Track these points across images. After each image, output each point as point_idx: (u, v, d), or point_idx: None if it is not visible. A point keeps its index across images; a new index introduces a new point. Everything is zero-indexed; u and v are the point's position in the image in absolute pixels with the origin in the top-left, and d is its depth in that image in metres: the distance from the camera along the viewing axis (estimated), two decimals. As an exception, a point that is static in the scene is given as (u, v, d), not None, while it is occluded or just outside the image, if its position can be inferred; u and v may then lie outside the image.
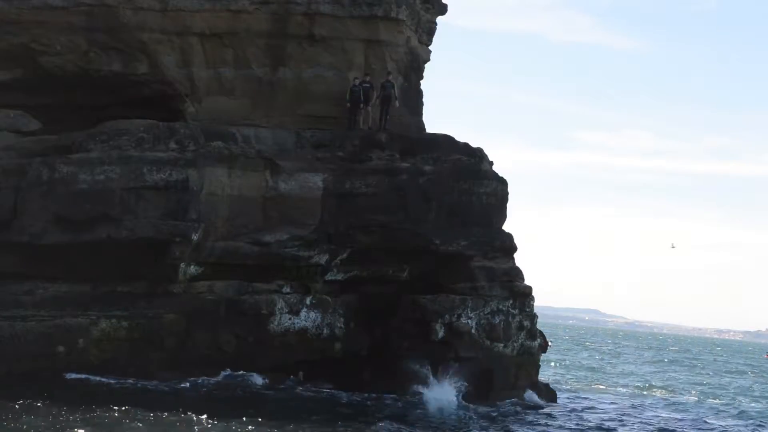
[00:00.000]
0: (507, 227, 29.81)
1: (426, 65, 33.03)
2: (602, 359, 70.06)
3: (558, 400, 30.54)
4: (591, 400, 33.70)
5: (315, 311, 27.44)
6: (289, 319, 27.10)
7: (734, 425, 29.60)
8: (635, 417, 29.04)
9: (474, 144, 29.91)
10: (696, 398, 39.49)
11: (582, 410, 29.56)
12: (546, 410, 27.83)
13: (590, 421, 26.71)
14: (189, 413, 20.57)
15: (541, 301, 32.55)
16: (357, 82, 29.32)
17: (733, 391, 47.52)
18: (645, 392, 40.80)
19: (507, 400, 27.79)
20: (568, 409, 29.32)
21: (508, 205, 29.87)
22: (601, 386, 41.85)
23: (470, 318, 27.71)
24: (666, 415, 30.47)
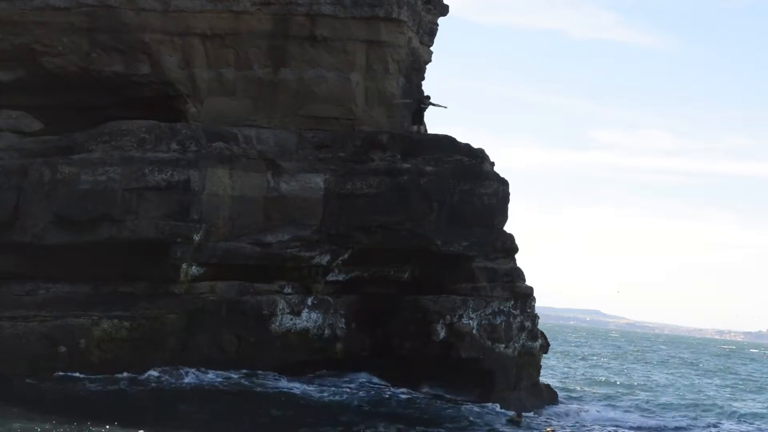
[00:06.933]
0: (516, 228, 29.96)
1: (428, 66, 33.06)
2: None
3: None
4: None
5: (316, 312, 27.47)
6: (291, 319, 27.12)
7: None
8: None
9: (487, 143, 30.27)
10: None
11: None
12: None
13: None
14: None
15: (542, 301, 32.57)
16: (428, 102, 29.32)
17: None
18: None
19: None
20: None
21: (511, 205, 29.99)
22: None
23: (471, 319, 27.73)
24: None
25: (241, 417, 21.33)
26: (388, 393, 27.42)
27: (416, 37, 31.79)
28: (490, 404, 26.54)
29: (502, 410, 26.10)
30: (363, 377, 28.20)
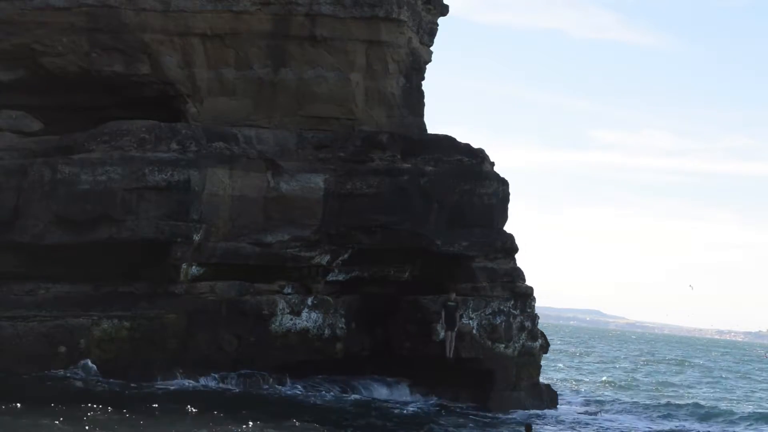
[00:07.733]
0: (516, 228, 29.81)
1: (427, 66, 33.02)
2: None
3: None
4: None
5: (316, 312, 27.46)
6: (291, 319, 27.11)
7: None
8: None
9: (487, 143, 30.01)
10: None
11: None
12: None
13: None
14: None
15: (542, 301, 32.55)
16: (454, 298, 27.19)
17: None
18: None
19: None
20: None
21: (511, 205, 30.00)
22: None
23: (471, 318, 27.74)
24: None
25: (240, 418, 21.31)
26: (387, 393, 27.47)
27: (416, 37, 31.77)
28: (493, 411, 26.70)
29: (502, 415, 26.20)
30: (363, 378, 28.19)
